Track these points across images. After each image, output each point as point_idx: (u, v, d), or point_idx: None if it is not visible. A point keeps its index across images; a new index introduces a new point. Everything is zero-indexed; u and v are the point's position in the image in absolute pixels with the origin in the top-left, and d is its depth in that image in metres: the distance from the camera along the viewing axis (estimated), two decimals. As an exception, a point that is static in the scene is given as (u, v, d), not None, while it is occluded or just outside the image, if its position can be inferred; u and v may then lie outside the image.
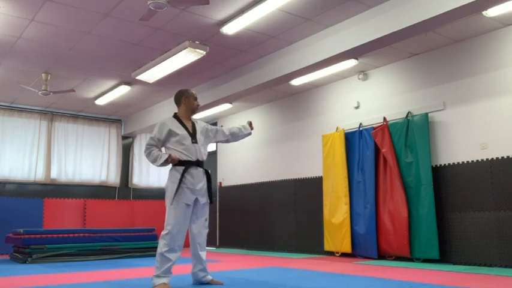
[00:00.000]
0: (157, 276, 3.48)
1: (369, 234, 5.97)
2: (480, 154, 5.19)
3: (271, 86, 6.70)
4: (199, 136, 3.80)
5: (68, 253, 6.39)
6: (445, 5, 4.18)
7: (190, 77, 7.07)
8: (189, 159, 3.67)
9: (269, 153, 8.14)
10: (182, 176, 3.60)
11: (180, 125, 3.75)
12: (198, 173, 3.68)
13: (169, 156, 3.60)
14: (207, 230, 3.80)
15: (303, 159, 7.43)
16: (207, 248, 3.81)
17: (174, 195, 3.55)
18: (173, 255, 3.52)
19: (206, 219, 3.78)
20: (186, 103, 3.85)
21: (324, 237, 6.70)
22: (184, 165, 3.64)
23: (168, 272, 3.50)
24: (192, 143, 3.71)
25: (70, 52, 6.04)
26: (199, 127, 3.87)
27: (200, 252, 3.70)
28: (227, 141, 4.12)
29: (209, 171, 3.83)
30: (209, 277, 3.76)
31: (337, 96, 7.01)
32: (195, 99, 3.90)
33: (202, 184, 3.69)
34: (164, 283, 3.45)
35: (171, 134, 3.69)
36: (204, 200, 3.72)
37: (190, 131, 3.77)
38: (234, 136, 4.08)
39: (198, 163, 3.71)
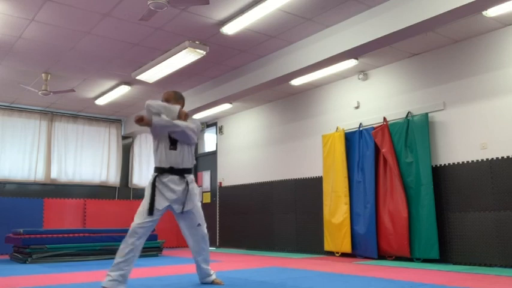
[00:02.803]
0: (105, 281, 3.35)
1: (369, 234, 5.97)
2: (480, 154, 5.19)
3: (271, 86, 6.70)
4: (181, 142, 3.62)
5: (68, 253, 6.39)
6: (445, 5, 4.18)
7: (190, 77, 7.08)
8: (162, 166, 3.55)
9: (269, 153, 8.14)
10: (154, 181, 3.49)
11: None
12: (169, 180, 3.52)
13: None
14: (202, 236, 3.68)
15: (303, 159, 7.43)
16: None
17: (146, 199, 3.47)
18: (123, 263, 3.36)
19: (199, 225, 3.65)
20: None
21: (324, 237, 6.70)
22: (157, 171, 3.55)
23: (115, 280, 3.32)
24: (170, 149, 3.57)
25: (70, 52, 6.04)
26: None
27: (198, 258, 3.68)
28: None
29: (187, 179, 3.60)
30: (212, 277, 3.76)
31: (337, 96, 7.01)
32: (162, 101, 3.73)
33: (176, 192, 3.51)
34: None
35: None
36: (185, 208, 3.55)
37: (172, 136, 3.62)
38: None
39: (172, 170, 3.54)
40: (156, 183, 3.49)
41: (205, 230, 3.73)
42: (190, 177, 3.64)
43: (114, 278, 3.28)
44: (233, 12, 4.94)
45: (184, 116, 3.69)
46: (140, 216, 3.42)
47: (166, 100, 3.70)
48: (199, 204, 3.71)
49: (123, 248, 3.37)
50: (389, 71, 6.31)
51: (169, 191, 3.50)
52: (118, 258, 3.35)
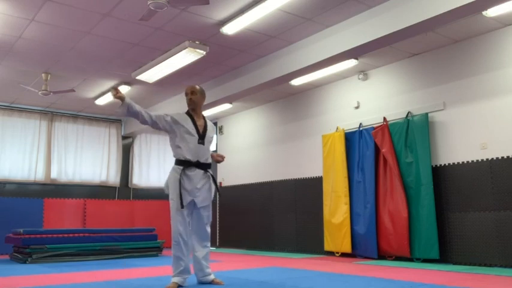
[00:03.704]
0: (172, 276, 3.59)
1: (369, 234, 5.97)
2: (480, 154, 5.19)
3: (271, 86, 6.70)
4: (208, 137, 3.74)
5: (68, 253, 6.39)
6: (445, 5, 4.18)
7: (190, 77, 7.07)
8: (189, 159, 3.62)
9: (269, 153, 8.14)
10: (180, 176, 3.57)
11: (190, 122, 3.70)
12: (195, 174, 3.61)
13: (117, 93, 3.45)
14: (206, 233, 3.75)
15: (303, 159, 7.43)
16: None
17: (174, 196, 3.58)
18: (181, 255, 3.55)
19: (206, 223, 3.73)
20: None
21: (324, 237, 6.70)
22: (182, 165, 3.61)
23: (181, 272, 3.56)
24: (198, 143, 3.65)
25: (70, 52, 6.04)
26: (210, 127, 3.82)
27: (200, 255, 3.70)
28: None
29: (211, 173, 3.76)
30: (211, 277, 3.76)
31: (337, 96, 7.01)
32: (186, 94, 3.82)
33: (200, 186, 3.62)
34: (174, 282, 3.53)
35: (178, 125, 3.64)
36: (202, 203, 3.65)
37: (200, 130, 3.72)
38: None
39: (198, 164, 3.64)
40: (181, 178, 3.56)
41: (209, 228, 3.79)
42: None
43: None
44: (233, 12, 4.94)
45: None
46: (174, 219, 3.57)
47: (192, 93, 3.78)
48: None
49: (174, 259, 3.60)
50: (389, 71, 6.31)
51: (193, 185, 3.59)
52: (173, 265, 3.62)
